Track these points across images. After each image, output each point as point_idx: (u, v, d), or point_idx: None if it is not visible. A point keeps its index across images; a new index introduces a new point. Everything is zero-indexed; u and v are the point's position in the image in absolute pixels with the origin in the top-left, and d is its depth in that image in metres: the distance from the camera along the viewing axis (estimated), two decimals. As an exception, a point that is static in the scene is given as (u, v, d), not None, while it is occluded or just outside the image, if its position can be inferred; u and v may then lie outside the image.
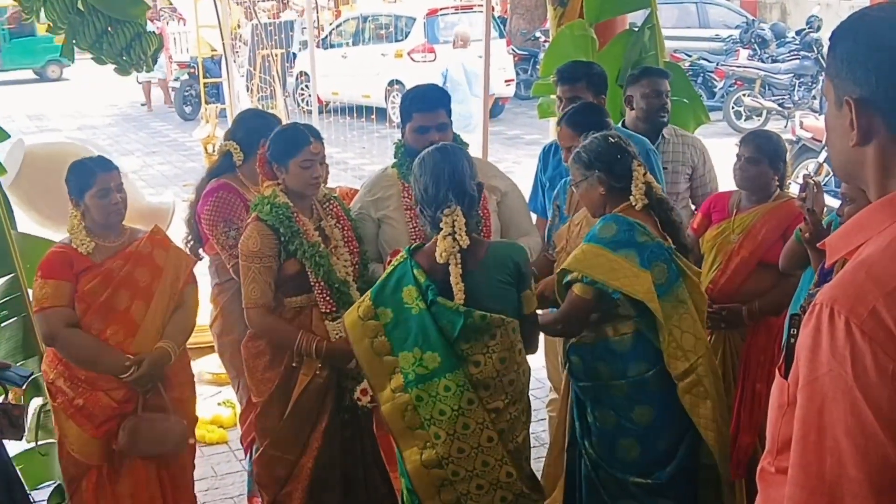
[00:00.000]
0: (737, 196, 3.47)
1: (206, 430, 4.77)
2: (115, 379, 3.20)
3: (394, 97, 14.02)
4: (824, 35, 13.33)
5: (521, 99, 15.62)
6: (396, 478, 3.16)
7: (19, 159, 4.61)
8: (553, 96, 4.19)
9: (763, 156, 3.32)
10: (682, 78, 4.88)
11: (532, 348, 2.89)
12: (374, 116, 12.17)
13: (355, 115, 12.58)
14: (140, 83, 17.25)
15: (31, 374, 3.34)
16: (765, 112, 12.92)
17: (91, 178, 3.20)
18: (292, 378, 3.14)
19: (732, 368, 3.38)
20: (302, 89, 15.10)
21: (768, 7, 20.43)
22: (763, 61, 14.67)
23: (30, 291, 3.49)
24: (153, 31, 4.13)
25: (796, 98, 13.73)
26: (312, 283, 3.10)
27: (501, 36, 15.08)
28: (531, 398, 2.91)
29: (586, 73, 3.84)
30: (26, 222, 4.61)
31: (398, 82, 14.24)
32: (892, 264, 1.18)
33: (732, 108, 13.31)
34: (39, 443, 3.65)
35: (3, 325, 3.77)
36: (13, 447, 3.33)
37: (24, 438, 3.38)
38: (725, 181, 3.98)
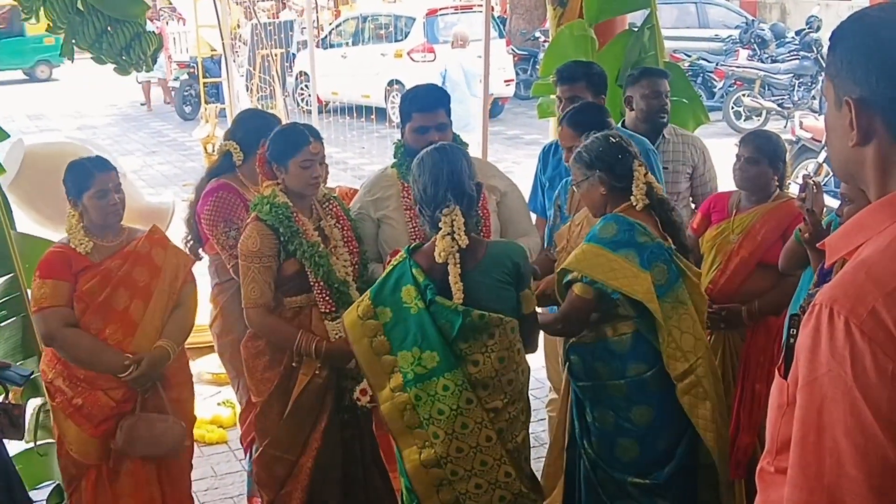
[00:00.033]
0: (736, 196, 3.47)
1: (206, 430, 4.76)
2: (115, 378, 3.20)
3: (393, 97, 14.02)
4: (824, 35, 13.33)
5: (521, 99, 15.62)
6: (396, 478, 3.16)
7: (19, 159, 4.60)
8: (553, 96, 4.19)
9: (763, 156, 3.32)
10: (682, 78, 4.88)
11: (531, 348, 2.89)
12: (373, 116, 12.17)
13: (355, 114, 12.59)
14: (140, 83, 17.24)
15: (32, 373, 3.34)
16: (764, 112, 12.91)
17: (89, 179, 3.20)
18: (292, 378, 3.14)
19: (732, 368, 3.38)
20: (301, 89, 15.11)
21: (768, 7, 20.43)
22: (763, 61, 14.67)
23: (29, 291, 3.49)
24: (153, 31, 4.13)
25: (796, 98, 13.73)
26: (312, 283, 3.10)
27: (501, 36, 15.08)
28: (531, 398, 2.91)
29: (586, 73, 3.84)
30: (26, 222, 4.61)
31: (398, 82, 14.23)
32: (892, 264, 1.18)
33: (732, 108, 13.30)
34: (38, 443, 3.65)
35: (2, 324, 3.77)
36: (12, 447, 3.33)
37: (24, 438, 3.39)
38: (725, 181, 3.99)
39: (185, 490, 3.50)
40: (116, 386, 3.22)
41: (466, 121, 8.58)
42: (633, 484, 2.91)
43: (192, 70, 15.26)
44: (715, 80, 14.35)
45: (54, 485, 3.73)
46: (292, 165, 3.09)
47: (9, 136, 4.06)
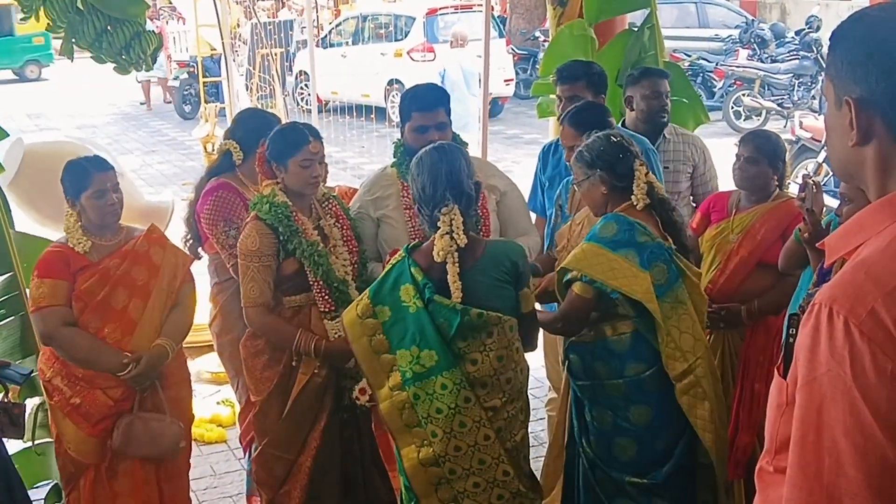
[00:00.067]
0: (736, 196, 3.47)
1: (205, 429, 4.76)
2: (113, 377, 3.20)
3: (393, 96, 14.02)
4: (824, 35, 13.33)
5: (521, 98, 15.62)
6: (395, 477, 3.16)
7: (18, 158, 4.60)
8: (552, 96, 4.19)
9: (762, 156, 3.32)
10: (682, 78, 4.88)
11: (530, 346, 2.89)
12: (373, 116, 12.17)
13: (354, 114, 12.60)
14: (139, 82, 17.24)
15: (31, 371, 3.35)
16: (764, 112, 12.92)
17: (87, 179, 3.19)
18: (291, 377, 3.14)
19: (731, 368, 3.38)
20: (301, 88, 15.11)
21: (768, 7, 20.43)
22: (762, 61, 14.67)
23: (28, 290, 3.49)
24: (152, 30, 4.13)
25: (795, 98, 13.73)
26: (311, 283, 3.09)
27: (501, 35, 15.09)
28: (530, 397, 2.91)
29: (586, 73, 3.84)
30: (25, 221, 4.61)
31: (397, 82, 14.23)
32: (892, 264, 1.18)
33: (732, 108, 13.31)
34: (36, 442, 3.65)
35: (0, 323, 3.77)
36: (10, 446, 3.33)
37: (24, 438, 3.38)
38: (725, 181, 3.99)
39: (184, 489, 3.50)
40: (115, 385, 3.22)
41: (465, 120, 8.59)
42: (630, 483, 2.91)
43: (191, 69, 15.26)
44: (715, 79, 14.36)
45: (52, 484, 3.72)
46: (292, 165, 3.09)
47: (8, 134, 4.06)
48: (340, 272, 3.15)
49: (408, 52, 14.66)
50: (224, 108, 9.13)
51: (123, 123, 16.40)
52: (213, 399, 5.20)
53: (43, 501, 3.72)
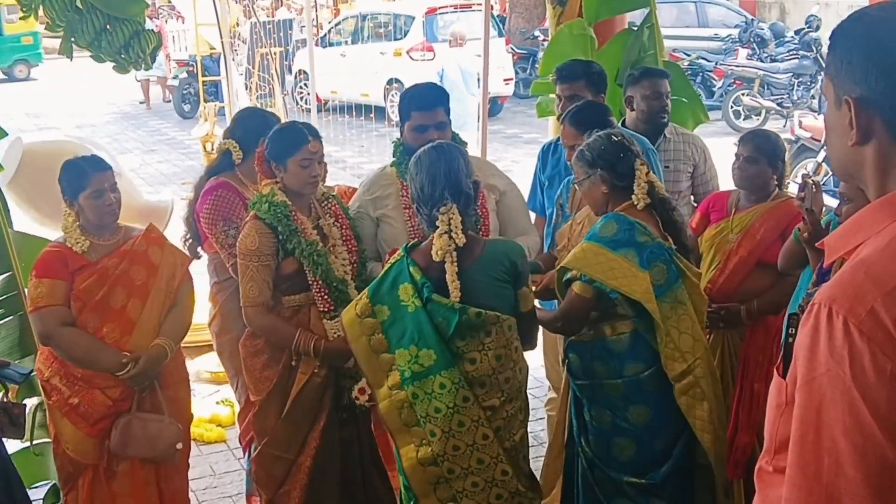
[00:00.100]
0: (735, 195, 3.46)
1: (205, 429, 4.76)
2: (112, 377, 3.20)
3: (393, 96, 14.02)
4: (823, 34, 13.33)
5: (520, 98, 15.62)
6: (395, 476, 3.16)
7: (18, 157, 4.60)
8: (552, 95, 4.19)
9: (762, 155, 3.32)
10: (681, 77, 4.88)
11: (530, 345, 2.89)
12: (372, 115, 12.17)
13: (354, 113, 12.60)
14: (139, 81, 17.23)
15: (31, 371, 3.34)
16: (764, 111, 12.92)
17: (84, 179, 3.19)
18: (290, 377, 3.14)
19: (731, 368, 3.38)
20: (300, 88, 15.10)
21: (767, 6, 20.44)
22: (762, 61, 14.67)
23: (26, 290, 3.49)
24: (152, 29, 4.13)
25: (795, 97, 13.73)
26: (310, 282, 3.09)
27: (500, 35, 15.08)
28: (530, 397, 2.91)
29: (585, 72, 3.84)
30: (25, 221, 4.61)
31: (397, 81, 14.23)
32: (891, 264, 1.18)
33: (731, 107, 13.31)
34: (34, 442, 3.65)
35: (0, 323, 3.77)
36: (8, 446, 3.32)
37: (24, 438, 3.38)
38: (724, 181, 3.99)
39: (183, 489, 3.50)
40: (114, 384, 3.21)
41: (464, 120, 8.58)
42: (629, 483, 2.91)
43: (191, 68, 15.26)
44: (714, 79, 14.36)
45: (50, 484, 3.72)
46: (291, 164, 3.09)
47: (7, 134, 4.05)
48: (340, 272, 3.14)
49: (407, 52, 14.66)
50: (223, 107, 9.14)
51: (123, 122, 16.39)
52: (213, 399, 5.20)
53: (41, 502, 3.72)
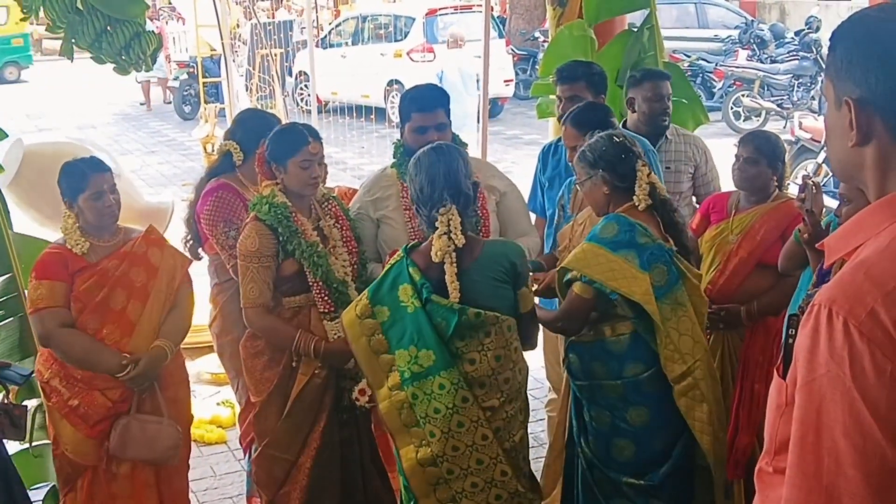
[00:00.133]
0: (735, 196, 3.46)
1: (205, 430, 4.76)
2: (112, 378, 3.19)
3: (393, 97, 14.02)
4: (823, 35, 13.33)
5: (520, 99, 15.62)
6: (395, 477, 3.16)
7: (18, 158, 4.60)
8: (552, 96, 4.19)
9: (762, 156, 3.32)
10: (682, 78, 4.88)
11: (530, 345, 2.89)
12: (373, 116, 12.17)
13: (354, 114, 12.59)
14: (139, 82, 17.24)
15: (31, 372, 3.34)
16: (764, 112, 12.91)
17: (84, 181, 3.19)
18: (291, 378, 3.14)
19: (731, 369, 3.38)
20: (301, 89, 15.11)
21: (767, 7, 20.43)
22: (762, 62, 14.67)
23: (26, 292, 3.49)
24: (152, 31, 4.13)
25: (795, 99, 13.73)
26: (311, 283, 3.09)
27: (500, 36, 15.08)
28: (530, 398, 2.91)
29: (586, 73, 3.85)
30: (25, 222, 4.61)
31: (397, 82, 14.23)
32: (891, 265, 1.18)
33: (731, 108, 13.31)
34: (34, 444, 3.64)
35: (0, 324, 3.77)
36: (8, 448, 3.32)
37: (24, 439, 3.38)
38: (724, 182, 3.99)
39: (184, 490, 3.50)
40: (113, 386, 3.21)
41: (463, 121, 8.59)
42: (628, 484, 2.91)
43: (191, 70, 15.26)
44: (714, 80, 14.36)
45: (50, 486, 3.72)
46: (291, 165, 3.09)
47: (7, 135, 4.06)
48: (340, 273, 3.15)
49: (407, 53, 14.66)
50: (224, 108, 9.14)
51: (123, 124, 16.39)
52: (213, 400, 5.20)
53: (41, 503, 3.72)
